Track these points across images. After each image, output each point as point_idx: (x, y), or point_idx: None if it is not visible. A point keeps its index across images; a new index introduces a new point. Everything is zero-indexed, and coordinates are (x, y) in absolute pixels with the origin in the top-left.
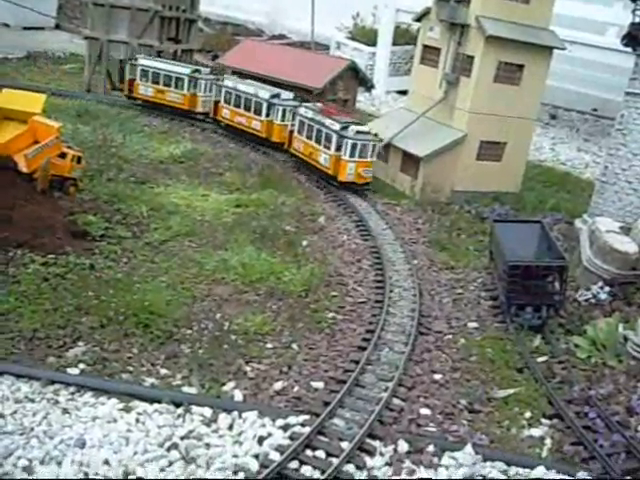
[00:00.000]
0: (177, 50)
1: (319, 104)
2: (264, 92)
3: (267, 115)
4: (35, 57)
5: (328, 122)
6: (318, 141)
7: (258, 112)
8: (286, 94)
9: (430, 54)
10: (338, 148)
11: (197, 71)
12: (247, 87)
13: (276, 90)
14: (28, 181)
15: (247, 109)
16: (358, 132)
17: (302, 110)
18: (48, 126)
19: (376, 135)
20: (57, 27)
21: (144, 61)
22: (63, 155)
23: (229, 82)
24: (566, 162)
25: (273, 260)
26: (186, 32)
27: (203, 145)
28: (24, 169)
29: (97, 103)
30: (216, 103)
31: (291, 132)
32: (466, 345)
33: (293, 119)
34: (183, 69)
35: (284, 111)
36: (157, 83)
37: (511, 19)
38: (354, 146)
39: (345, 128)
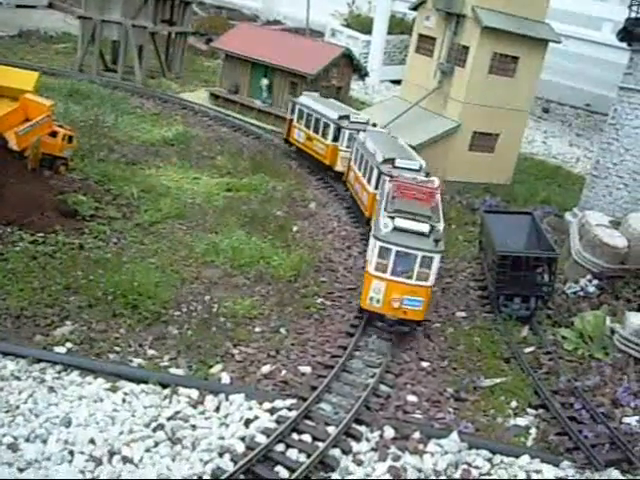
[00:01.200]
0: (171, 32)
1: (412, 176)
2: (380, 154)
3: (375, 187)
4: (27, 36)
5: (382, 215)
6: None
7: (369, 179)
8: (408, 161)
9: (425, 43)
10: (378, 254)
11: (345, 117)
12: (372, 144)
13: (391, 146)
14: (18, 159)
15: (364, 173)
16: (396, 230)
17: (385, 183)
18: (40, 104)
19: (437, 242)
20: (50, 6)
21: (303, 99)
22: (54, 134)
23: (362, 135)
24: (557, 156)
25: (263, 245)
26: (181, 14)
27: (195, 128)
28: (14, 147)
29: (89, 83)
30: (349, 161)
31: None
32: (454, 334)
33: None
34: (332, 112)
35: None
36: (308, 127)
37: (507, 11)
38: (384, 253)
39: (385, 225)
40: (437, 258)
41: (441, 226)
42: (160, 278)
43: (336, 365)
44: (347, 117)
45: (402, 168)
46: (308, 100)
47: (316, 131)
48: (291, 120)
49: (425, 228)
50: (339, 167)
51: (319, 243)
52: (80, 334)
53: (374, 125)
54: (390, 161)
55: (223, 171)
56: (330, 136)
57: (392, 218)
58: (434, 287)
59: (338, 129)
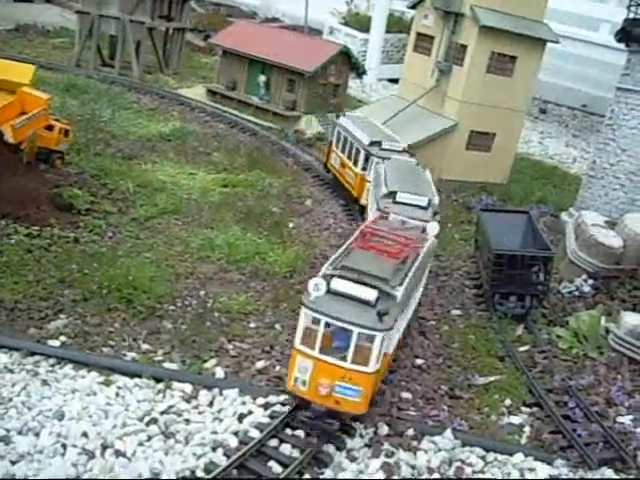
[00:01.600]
0: (169, 28)
1: (403, 218)
2: (384, 187)
3: None
4: (25, 30)
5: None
6: None
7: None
8: (412, 196)
9: (423, 42)
10: (305, 325)
11: (377, 143)
12: (384, 174)
13: (404, 178)
14: (14, 152)
15: (371, 208)
16: (330, 294)
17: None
18: (36, 97)
19: (382, 315)
20: (48, 0)
21: (343, 119)
22: (50, 127)
23: (382, 164)
24: (554, 156)
25: (259, 241)
26: (179, 10)
27: (192, 124)
28: (10, 140)
29: (86, 78)
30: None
31: None
32: (449, 332)
33: None
34: (365, 137)
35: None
36: (343, 152)
37: (505, 10)
38: (312, 323)
39: (316, 287)
40: (380, 337)
41: (399, 292)
42: (155, 273)
43: None
44: (379, 143)
45: (404, 204)
46: (347, 121)
47: (349, 157)
48: (331, 143)
49: (371, 295)
50: (364, 200)
51: (315, 240)
52: (74, 328)
53: (412, 155)
54: (392, 195)
55: (219, 167)
56: (360, 164)
57: (329, 278)
58: (379, 374)
59: (367, 156)
